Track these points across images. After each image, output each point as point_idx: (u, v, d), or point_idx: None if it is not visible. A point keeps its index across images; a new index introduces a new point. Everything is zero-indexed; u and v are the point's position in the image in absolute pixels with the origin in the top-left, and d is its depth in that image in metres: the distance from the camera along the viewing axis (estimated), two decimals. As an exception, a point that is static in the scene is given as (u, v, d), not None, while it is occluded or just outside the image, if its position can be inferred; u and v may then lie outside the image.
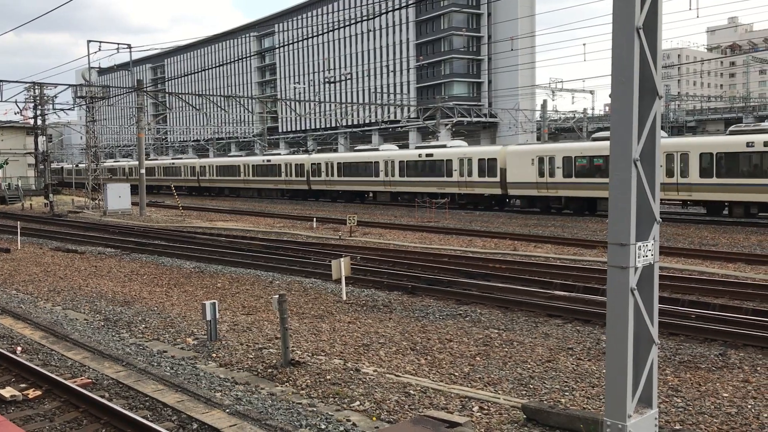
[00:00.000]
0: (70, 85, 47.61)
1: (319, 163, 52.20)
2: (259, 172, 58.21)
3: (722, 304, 12.82)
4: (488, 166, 38.57)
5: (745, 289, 14.28)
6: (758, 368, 9.28)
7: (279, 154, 61.35)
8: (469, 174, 39.72)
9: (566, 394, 8.42)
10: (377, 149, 50.91)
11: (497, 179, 38.07)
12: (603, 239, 22.53)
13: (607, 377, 5.18)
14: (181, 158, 71.07)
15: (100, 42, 42.82)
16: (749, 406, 7.82)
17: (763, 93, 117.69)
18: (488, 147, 43.91)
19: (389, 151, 47.77)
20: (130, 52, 42.81)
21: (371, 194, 50.13)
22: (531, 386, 8.72)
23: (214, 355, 10.40)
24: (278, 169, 56.51)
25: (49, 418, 7.92)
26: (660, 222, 5.28)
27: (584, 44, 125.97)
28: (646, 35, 5.05)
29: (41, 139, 53.97)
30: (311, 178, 52.88)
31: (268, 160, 55.17)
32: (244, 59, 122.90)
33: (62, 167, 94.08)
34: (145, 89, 50.39)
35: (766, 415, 7.55)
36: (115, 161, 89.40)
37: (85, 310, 14.08)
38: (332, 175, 50.82)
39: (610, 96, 5.16)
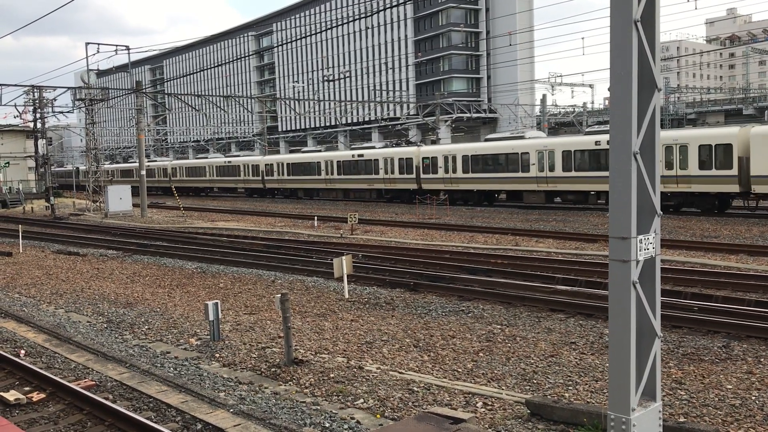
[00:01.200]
0: (69, 88, 47.59)
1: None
2: (348, 169, 50.06)
3: (725, 296, 12.80)
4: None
5: (747, 281, 14.27)
6: (762, 360, 9.27)
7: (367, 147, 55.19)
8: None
9: (570, 388, 8.42)
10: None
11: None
12: (604, 233, 22.51)
13: (610, 371, 5.18)
14: (239, 155, 65.64)
15: (98, 44, 42.88)
16: (753, 398, 7.82)
17: (762, 84, 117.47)
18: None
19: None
20: (128, 53, 42.79)
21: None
22: (534, 381, 8.72)
23: (217, 355, 10.40)
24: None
25: (53, 420, 7.93)
26: (661, 215, 5.27)
27: (583, 38, 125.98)
28: (644, 28, 5.04)
29: (41, 142, 53.96)
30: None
31: (360, 155, 48.75)
32: (243, 59, 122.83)
33: (77, 168, 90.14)
34: (144, 90, 50.38)
35: (770, 406, 7.54)
36: (150, 161, 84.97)
37: (87, 312, 14.09)
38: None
39: (609, 89, 5.15)
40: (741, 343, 10.05)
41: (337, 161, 50.10)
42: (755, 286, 13.71)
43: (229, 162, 63.07)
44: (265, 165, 57.94)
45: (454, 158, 40.68)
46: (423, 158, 42.94)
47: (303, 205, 47.80)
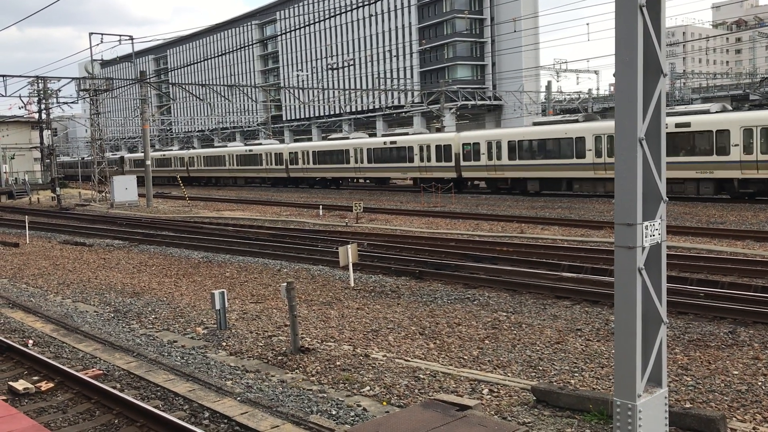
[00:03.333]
0: (73, 78, 47.61)
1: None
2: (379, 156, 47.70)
3: (731, 282, 12.79)
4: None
5: (754, 267, 14.23)
6: (768, 345, 9.26)
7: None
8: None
9: (575, 375, 8.43)
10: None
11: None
12: (610, 220, 22.46)
13: (616, 357, 5.18)
14: (261, 143, 61.80)
15: (102, 34, 42.90)
16: (760, 383, 7.82)
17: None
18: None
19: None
20: (132, 43, 42.77)
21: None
22: (540, 368, 8.73)
23: (224, 343, 10.45)
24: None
25: (62, 409, 7.99)
26: (666, 201, 5.26)
27: (588, 24, 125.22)
28: (650, 13, 5.00)
29: (46, 133, 54.06)
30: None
31: (393, 142, 46.15)
32: (247, 48, 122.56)
33: (83, 159, 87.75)
34: (148, 80, 50.37)
35: (776, 391, 7.54)
36: (166, 149, 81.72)
37: (94, 302, 14.16)
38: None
39: (614, 75, 5.12)
40: (747, 329, 10.04)
41: (368, 148, 47.67)
42: (762, 272, 13.68)
43: (251, 150, 59.99)
44: (289, 153, 55.43)
45: (498, 144, 38.11)
46: (463, 144, 40.41)
47: (308, 194, 47.80)
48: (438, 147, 42.25)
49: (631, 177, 4.99)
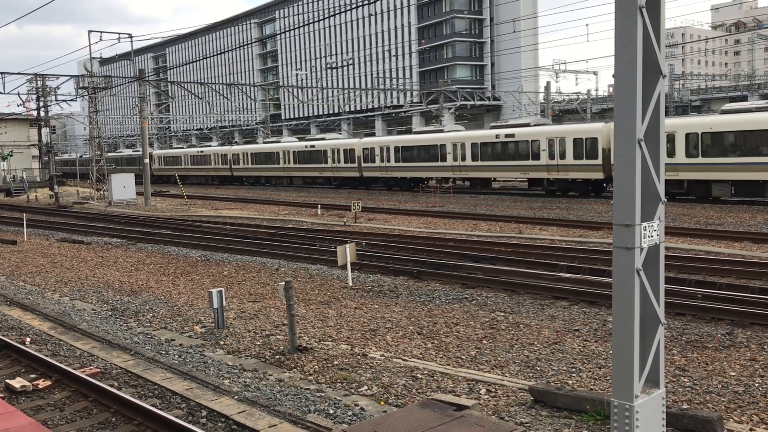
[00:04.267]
0: (71, 76, 47.56)
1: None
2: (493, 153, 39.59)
3: (729, 284, 12.80)
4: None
5: (751, 268, 14.24)
6: (765, 346, 9.27)
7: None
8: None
9: (573, 375, 8.44)
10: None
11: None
12: (608, 221, 22.48)
13: (613, 358, 5.19)
14: (324, 138, 55.29)
15: (101, 32, 42.75)
16: (757, 384, 7.83)
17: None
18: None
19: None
20: (131, 41, 42.80)
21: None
22: (538, 368, 8.74)
23: (221, 342, 10.45)
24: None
25: (59, 407, 7.98)
26: (665, 202, 5.26)
27: (587, 24, 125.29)
28: (649, 14, 5.00)
29: (44, 130, 54.00)
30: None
31: (510, 135, 38.28)
32: (246, 46, 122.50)
33: (81, 156, 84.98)
34: (147, 78, 50.32)
35: (773, 393, 7.55)
36: (203, 145, 74.33)
37: (92, 300, 14.15)
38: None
39: (613, 76, 5.13)
40: (745, 330, 10.05)
41: (472, 143, 39.87)
42: (759, 274, 13.70)
43: (312, 146, 52.33)
44: (363, 149, 47.78)
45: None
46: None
47: (307, 193, 47.77)
48: (577, 140, 36.16)
49: (630, 178, 4.99)
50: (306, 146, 53.23)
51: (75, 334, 11.30)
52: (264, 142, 64.20)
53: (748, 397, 7.46)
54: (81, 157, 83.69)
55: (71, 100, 52.51)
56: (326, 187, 51.54)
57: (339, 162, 49.78)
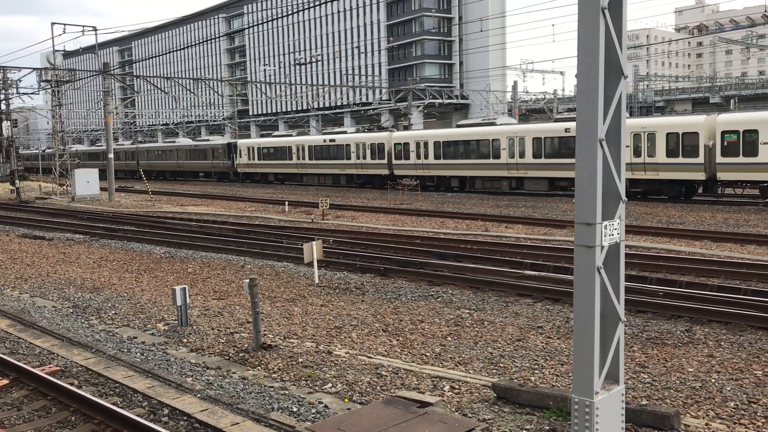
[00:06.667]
0: (34, 69, 46.58)
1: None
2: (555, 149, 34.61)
3: (689, 281, 13.04)
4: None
5: (711, 266, 14.55)
6: (722, 343, 9.47)
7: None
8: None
9: (536, 372, 8.53)
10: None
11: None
12: (572, 219, 22.72)
13: (575, 355, 5.26)
14: (345, 132, 49.06)
15: (65, 24, 42.03)
16: (713, 380, 7.99)
17: (729, 73, 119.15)
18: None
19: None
20: (96, 34, 42.03)
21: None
22: (501, 365, 8.81)
23: (185, 340, 10.34)
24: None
25: (16, 407, 7.82)
26: (625, 201, 5.35)
27: (553, 24, 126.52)
28: (612, 15, 5.07)
29: (6, 124, 52.78)
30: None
31: (567, 129, 33.50)
32: (213, 41, 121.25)
33: (44, 151, 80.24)
34: (111, 72, 49.50)
35: (729, 388, 7.72)
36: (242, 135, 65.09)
37: (53, 297, 13.89)
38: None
39: (576, 76, 5.19)
40: (703, 327, 10.25)
41: (534, 137, 34.78)
42: (718, 272, 14.00)
43: (333, 140, 46.63)
44: (395, 144, 42.72)
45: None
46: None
47: (274, 189, 47.48)
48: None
49: (592, 177, 5.06)
50: (325, 140, 47.56)
51: (34, 332, 11.08)
52: (273, 136, 57.50)
53: (704, 392, 7.62)
54: (44, 151, 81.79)
55: (33, 94, 51.40)
56: (349, 186, 46.21)
57: (364, 158, 44.30)
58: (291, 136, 53.89)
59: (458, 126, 43.07)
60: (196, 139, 70.44)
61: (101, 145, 79.51)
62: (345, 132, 48.90)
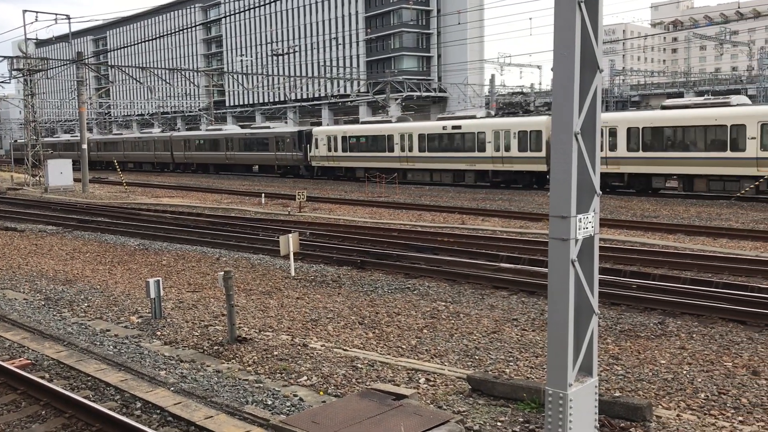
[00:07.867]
0: (5, 57, 45.73)
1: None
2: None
3: (662, 275, 13.19)
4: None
5: (684, 260, 14.72)
6: (694, 335, 9.59)
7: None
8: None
9: (511, 364, 8.57)
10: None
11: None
12: (548, 212, 22.86)
13: (549, 347, 5.28)
14: (390, 121, 44.15)
15: (37, 12, 41.17)
16: (685, 372, 8.09)
17: (703, 68, 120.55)
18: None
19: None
20: (69, 22, 41.31)
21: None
22: (476, 357, 8.84)
23: (158, 333, 10.24)
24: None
25: (-15, 400, 7.69)
26: (600, 194, 5.37)
27: (531, 18, 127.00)
28: (588, 9, 5.08)
29: (-24, 113, 51.83)
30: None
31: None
32: (189, 31, 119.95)
33: (15, 140, 78.38)
34: (85, 62, 48.76)
35: (700, 379, 7.82)
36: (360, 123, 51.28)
37: (24, 289, 13.68)
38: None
39: (552, 70, 5.19)
40: (675, 320, 10.38)
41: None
42: (690, 265, 14.17)
43: (458, 127, 37.83)
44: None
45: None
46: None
47: (250, 181, 47.18)
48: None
49: (567, 170, 5.07)
50: (444, 127, 38.28)
51: (5, 325, 10.90)
52: (362, 123, 47.55)
53: (676, 384, 7.71)
54: (15, 141, 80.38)
55: (5, 83, 50.50)
56: (476, 187, 37.13)
57: (508, 150, 35.25)
58: (390, 122, 43.89)
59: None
60: (252, 126, 60.10)
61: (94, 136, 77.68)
62: (474, 117, 38.84)
